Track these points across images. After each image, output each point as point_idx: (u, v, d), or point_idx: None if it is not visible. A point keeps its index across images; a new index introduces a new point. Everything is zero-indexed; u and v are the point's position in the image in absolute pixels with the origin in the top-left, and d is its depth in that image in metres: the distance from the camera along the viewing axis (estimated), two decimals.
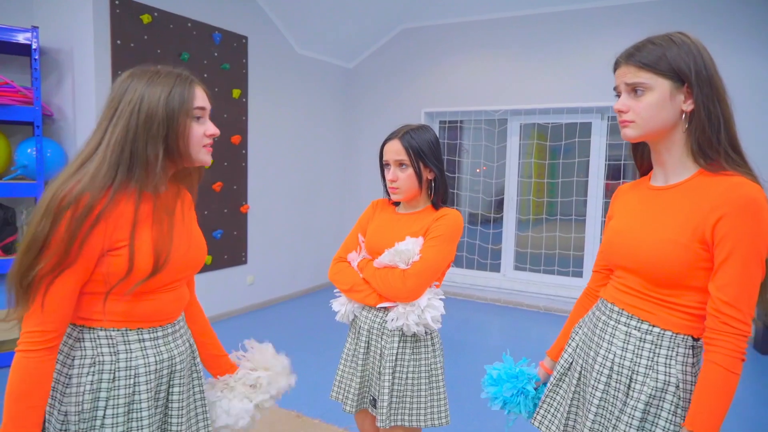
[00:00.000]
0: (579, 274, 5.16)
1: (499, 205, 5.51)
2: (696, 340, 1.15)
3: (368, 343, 1.68)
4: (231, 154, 4.59)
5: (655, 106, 1.13)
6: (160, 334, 1.22)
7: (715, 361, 1.05)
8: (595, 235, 5.05)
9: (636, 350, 1.17)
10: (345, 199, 6.04)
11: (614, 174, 5.01)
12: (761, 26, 4.19)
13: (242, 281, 4.86)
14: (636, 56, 1.15)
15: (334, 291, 1.78)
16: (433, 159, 1.66)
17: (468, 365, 3.70)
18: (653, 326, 1.16)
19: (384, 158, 1.68)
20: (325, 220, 5.82)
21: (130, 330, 1.17)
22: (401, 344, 1.63)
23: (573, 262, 5.18)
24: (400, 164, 1.64)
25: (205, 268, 4.40)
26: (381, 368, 1.65)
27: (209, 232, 4.44)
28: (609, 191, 5.01)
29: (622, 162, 4.96)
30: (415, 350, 1.64)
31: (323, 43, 5.41)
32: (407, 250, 1.59)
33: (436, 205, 1.71)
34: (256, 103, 4.78)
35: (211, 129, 1.21)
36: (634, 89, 1.15)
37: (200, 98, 1.19)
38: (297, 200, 5.43)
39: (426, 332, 1.65)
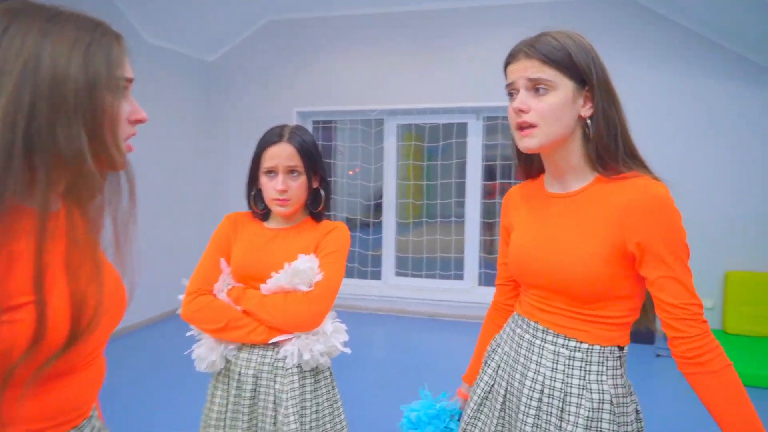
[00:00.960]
0: (460, 277, 5.16)
1: (378, 209, 5.36)
2: (621, 348, 1.12)
3: (255, 390, 1.41)
4: None
5: (560, 108, 1.06)
6: None
7: (714, 369, 0.99)
8: (475, 236, 5.07)
9: (566, 370, 1.12)
10: (210, 210, 5.47)
11: (490, 175, 5.07)
12: (643, 34, 4.42)
13: None
14: (540, 49, 1.06)
15: (189, 334, 1.48)
16: (321, 163, 1.50)
17: (356, 382, 3.44)
18: (581, 342, 1.11)
19: (267, 164, 1.43)
20: (187, 233, 5.22)
21: None
22: (301, 382, 1.42)
23: (454, 265, 5.17)
24: (291, 171, 1.43)
25: None
26: (281, 416, 1.38)
27: None
28: (486, 192, 5.07)
29: (498, 162, 5.03)
30: (315, 385, 1.45)
31: (177, 32, 4.86)
32: (309, 268, 1.40)
33: (317, 216, 1.54)
34: None
35: (140, 112, 0.85)
36: (536, 87, 1.06)
37: (128, 65, 0.81)
38: (152, 211, 4.79)
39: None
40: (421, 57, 4.94)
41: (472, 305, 4.88)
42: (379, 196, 5.35)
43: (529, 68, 1.06)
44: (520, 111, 1.07)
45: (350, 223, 5.47)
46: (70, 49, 0.72)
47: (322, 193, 1.52)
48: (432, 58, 4.92)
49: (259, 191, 1.50)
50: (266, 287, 1.39)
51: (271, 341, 1.39)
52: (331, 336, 1.42)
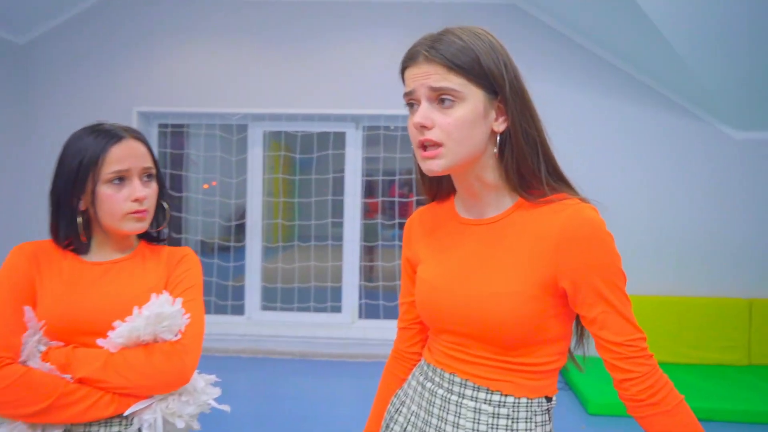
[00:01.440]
0: (338, 309, 4.66)
1: (240, 230, 4.76)
2: (549, 400, 1.04)
3: None
4: None
5: (470, 123, 0.94)
6: None
7: (669, 408, 0.94)
8: (354, 262, 4.61)
9: (489, 430, 1.01)
10: (18, 230, 4.41)
11: (371, 191, 4.72)
12: (542, 48, 4.24)
13: None
14: (443, 52, 0.93)
15: None
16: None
17: None
18: (506, 396, 1.02)
19: (116, 168, 1.21)
20: None
21: None
22: None
23: (331, 296, 4.69)
24: (146, 174, 1.27)
25: None
26: None
27: None
28: (366, 210, 4.69)
29: (380, 178, 4.64)
30: None
31: None
32: (177, 312, 1.19)
33: (156, 239, 1.38)
34: None
35: None
36: (440, 98, 0.94)
37: None
38: None
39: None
40: (293, 55, 4.43)
41: (352, 342, 4.40)
42: (241, 215, 4.74)
43: (431, 74, 0.94)
44: (423, 127, 0.95)
45: (206, 248, 4.88)
46: None
47: (166, 206, 1.33)
48: (306, 57, 4.43)
49: (72, 216, 1.24)
50: (115, 342, 1.15)
51: (127, 412, 1.14)
52: (201, 394, 1.24)
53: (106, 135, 1.21)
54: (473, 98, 0.94)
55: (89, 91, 4.49)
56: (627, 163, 4.23)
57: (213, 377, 1.30)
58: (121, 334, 1.14)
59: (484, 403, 1.02)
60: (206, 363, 4.17)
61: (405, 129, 4.44)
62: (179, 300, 1.22)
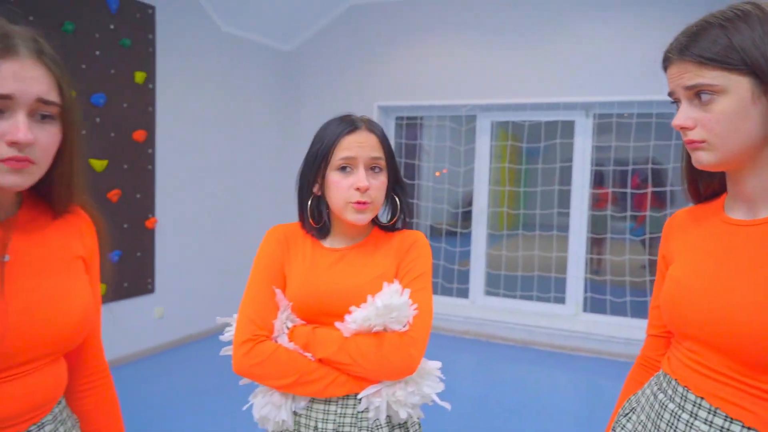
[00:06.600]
0: (562, 301, 4.88)
1: (467, 217, 5.18)
2: None
3: None
4: (133, 154, 4.02)
5: (733, 116, 0.90)
6: None
7: None
8: (580, 254, 4.77)
9: None
10: (280, 212, 5.48)
11: (600, 181, 4.76)
12: None
13: (148, 315, 4.29)
14: (692, 48, 0.91)
15: (243, 383, 1.33)
16: (396, 163, 1.38)
17: (438, 425, 3.25)
18: (749, 429, 0.88)
19: (343, 155, 1.27)
20: (254, 237, 5.22)
21: None
22: None
23: (555, 286, 4.90)
24: (374, 166, 1.29)
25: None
26: None
27: None
28: (595, 201, 4.76)
29: (611, 168, 4.70)
30: None
31: (254, 20, 4.92)
32: (404, 303, 1.25)
33: (388, 227, 1.39)
34: (167, 90, 4.24)
35: (14, 133, 0.88)
36: (698, 94, 0.92)
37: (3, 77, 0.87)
38: (218, 212, 4.88)
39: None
40: (521, 45, 4.71)
41: (574, 335, 4.60)
42: (468, 203, 5.18)
43: (684, 74, 0.93)
44: (683, 128, 0.95)
45: (435, 232, 5.40)
46: None
47: (398, 200, 1.36)
48: (535, 45, 4.68)
49: (316, 200, 1.34)
50: (349, 327, 1.23)
51: (361, 395, 1.25)
52: (424, 385, 1.29)
53: (344, 124, 1.30)
54: (736, 88, 0.89)
55: (339, 89, 5.33)
56: None
57: (438, 363, 1.36)
58: (354, 320, 1.23)
59: (720, 431, 0.92)
60: (431, 341, 4.79)
61: (640, 116, 4.44)
62: (407, 291, 1.27)
